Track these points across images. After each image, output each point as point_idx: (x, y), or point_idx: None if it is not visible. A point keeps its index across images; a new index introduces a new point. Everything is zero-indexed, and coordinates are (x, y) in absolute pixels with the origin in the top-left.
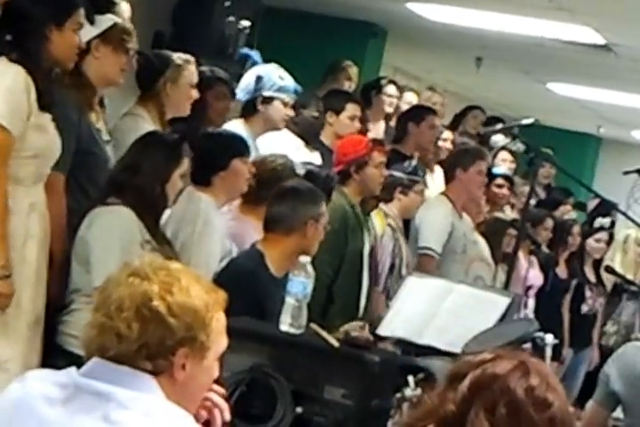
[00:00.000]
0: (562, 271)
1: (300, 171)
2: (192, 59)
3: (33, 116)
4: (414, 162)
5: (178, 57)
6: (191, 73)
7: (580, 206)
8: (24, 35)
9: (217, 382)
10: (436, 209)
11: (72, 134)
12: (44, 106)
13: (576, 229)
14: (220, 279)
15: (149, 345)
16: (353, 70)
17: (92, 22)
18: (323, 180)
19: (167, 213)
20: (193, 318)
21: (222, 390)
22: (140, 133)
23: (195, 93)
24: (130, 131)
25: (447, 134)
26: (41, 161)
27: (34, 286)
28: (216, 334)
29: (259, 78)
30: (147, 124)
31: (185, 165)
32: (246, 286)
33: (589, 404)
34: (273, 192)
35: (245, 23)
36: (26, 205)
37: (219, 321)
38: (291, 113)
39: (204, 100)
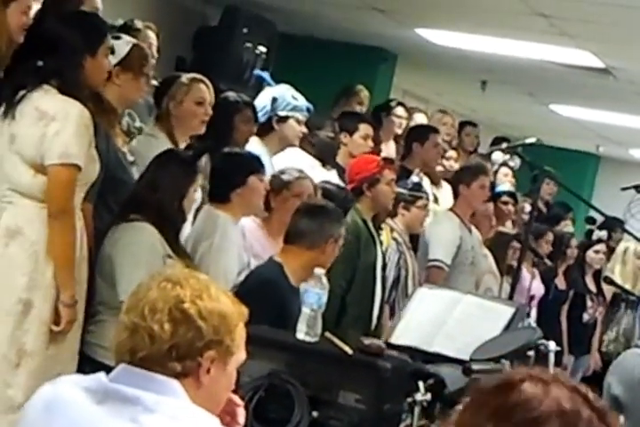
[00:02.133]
0: (561, 282)
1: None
2: (202, 78)
3: (91, 149)
4: (416, 178)
5: (186, 77)
6: (198, 91)
7: (588, 220)
8: (61, 63)
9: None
10: (444, 224)
11: (101, 161)
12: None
13: (574, 242)
14: (243, 289)
15: (179, 346)
16: (364, 94)
17: (112, 51)
18: (340, 198)
19: (187, 229)
20: (221, 322)
21: (238, 400)
22: (153, 152)
23: (202, 110)
24: (145, 151)
25: (451, 153)
26: (83, 188)
27: (83, 304)
28: (239, 342)
29: (274, 99)
30: (161, 144)
31: (199, 180)
32: (268, 294)
33: None
34: (300, 207)
35: (262, 49)
36: (78, 229)
37: (242, 330)
38: (304, 130)
39: (231, 124)
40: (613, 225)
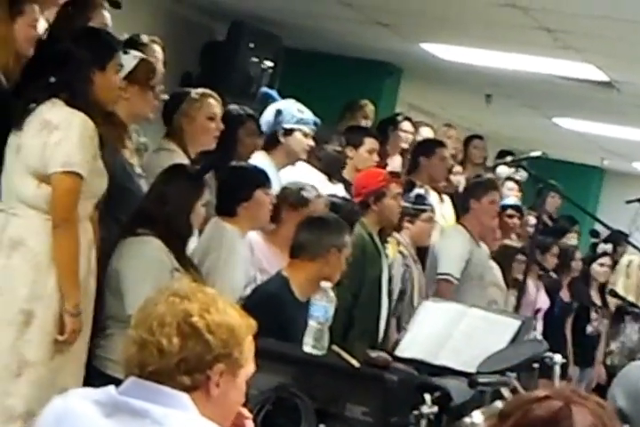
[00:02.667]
0: (565, 295)
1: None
2: (211, 93)
3: (95, 160)
4: (419, 191)
5: (195, 92)
6: (209, 106)
7: (593, 234)
8: (71, 77)
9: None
10: (453, 238)
11: (109, 175)
12: (101, 148)
13: (578, 254)
14: (248, 304)
15: (188, 360)
16: (369, 108)
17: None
18: (347, 212)
19: (194, 242)
20: (229, 335)
21: (247, 413)
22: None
23: (213, 126)
24: (158, 165)
25: (458, 168)
26: (91, 200)
27: (91, 316)
28: (248, 355)
29: (278, 112)
30: (177, 157)
31: (206, 195)
32: (272, 309)
33: None
34: (303, 220)
35: (268, 64)
36: (86, 241)
37: (251, 343)
38: (311, 143)
39: (235, 137)
40: (618, 238)
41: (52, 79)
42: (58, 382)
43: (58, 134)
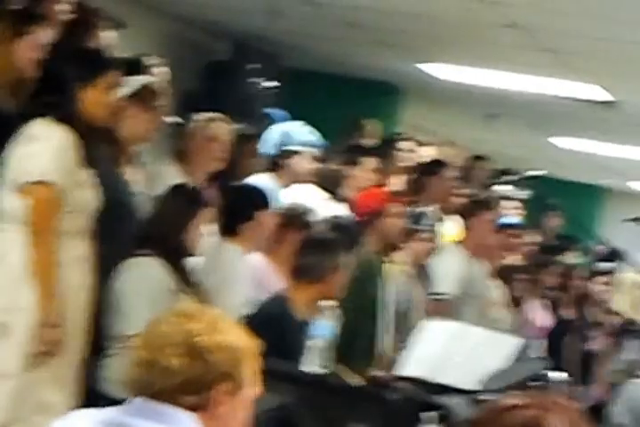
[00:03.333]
0: (567, 313)
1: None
2: (219, 116)
3: (77, 173)
4: (418, 210)
5: (202, 115)
6: (212, 129)
7: (584, 251)
8: (60, 95)
9: None
10: (449, 257)
11: (102, 188)
12: (84, 163)
13: (579, 273)
14: (249, 324)
15: (192, 379)
16: (371, 127)
17: (122, 84)
18: (351, 231)
19: (196, 261)
20: (234, 355)
21: None
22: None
23: (215, 147)
24: (163, 185)
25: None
26: (79, 215)
27: (82, 333)
28: (253, 375)
29: (285, 133)
30: (180, 177)
31: (205, 215)
32: (273, 330)
33: None
34: (302, 242)
35: (270, 84)
36: (75, 257)
37: (255, 364)
38: (316, 166)
39: (235, 156)
40: (616, 256)
41: (47, 99)
42: (36, 396)
43: (35, 146)
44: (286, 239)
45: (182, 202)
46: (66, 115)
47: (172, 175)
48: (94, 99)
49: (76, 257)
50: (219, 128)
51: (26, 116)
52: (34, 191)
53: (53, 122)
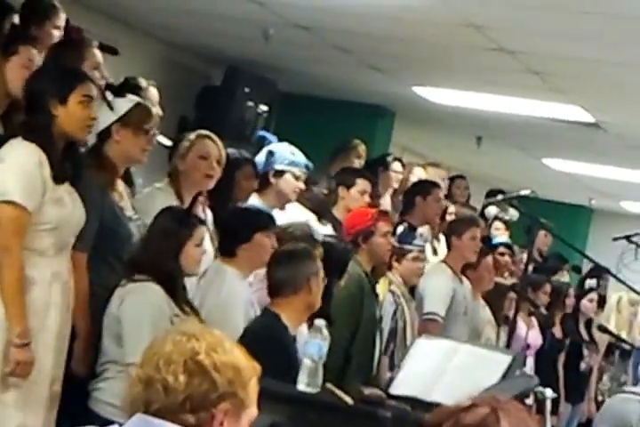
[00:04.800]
0: (557, 331)
1: (319, 237)
2: (208, 134)
3: (49, 190)
4: (404, 231)
5: (192, 133)
6: (203, 146)
7: (575, 269)
8: (32, 112)
9: None
10: (436, 276)
11: (95, 215)
12: (59, 179)
13: (571, 291)
14: (244, 343)
15: (193, 398)
16: (362, 148)
17: (111, 108)
18: (340, 251)
19: (194, 282)
20: (235, 375)
21: None
22: (158, 207)
23: (205, 164)
24: (155, 208)
25: (452, 209)
26: (59, 232)
27: (55, 353)
28: (252, 396)
29: (270, 153)
30: (171, 199)
31: (198, 235)
32: (270, 347)
33: None
34: (271, 258)
35: (263, 108)
36: (48, 274)
37: (255, 385)
38: (302, 186)
39: (232, 180)
40: (600, 273)
41: (19, 118)
42: (13, 421)
43: (0, 166)
44: None
45: (169, 225)
46: (35, 132)
47: (166, 198)
48: (67, 114)
49: (51, 275)
50: (209, 145)
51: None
52: None
53: (22, 141)
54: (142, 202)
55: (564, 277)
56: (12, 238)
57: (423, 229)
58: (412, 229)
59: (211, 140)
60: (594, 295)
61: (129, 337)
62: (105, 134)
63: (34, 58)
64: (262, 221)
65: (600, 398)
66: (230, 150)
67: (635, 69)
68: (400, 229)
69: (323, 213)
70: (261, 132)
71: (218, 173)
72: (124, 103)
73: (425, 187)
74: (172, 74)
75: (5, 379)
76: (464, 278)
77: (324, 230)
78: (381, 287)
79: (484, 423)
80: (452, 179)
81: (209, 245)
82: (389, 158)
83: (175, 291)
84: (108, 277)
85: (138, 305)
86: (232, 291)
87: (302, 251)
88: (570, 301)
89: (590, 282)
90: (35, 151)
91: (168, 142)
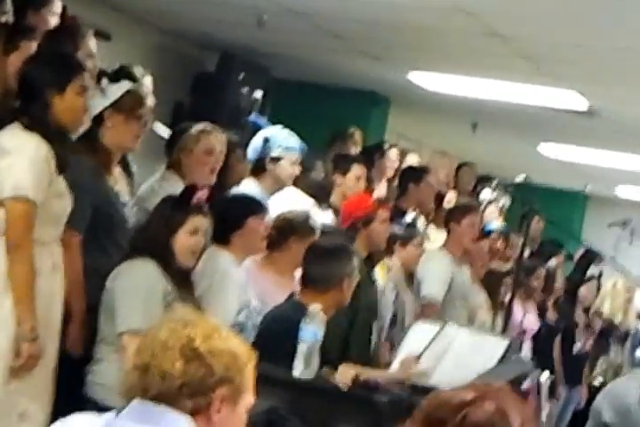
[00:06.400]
0: (552, 315)
1: (317, 225)
2: (212, 128)
3: (53, 183)
4: (410, 217)
5: (195, 128)
6: (207, 141)
7: (568, 257)
8: (29, 101)
9: None
10: (435, 261)
11: (88, 198)
12: (61, 170)
13: (559, 275)
14: (265, 328)
15: (191, 383)
16: (359, 136)
17: (103, 93)
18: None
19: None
20: (231, 361)
21: None
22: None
23: (211, 160)
24: (160, 196)
25: (451, 195)
26: (59, 223)
27: (55, 340)
28: (249, 382)
29: (266, 139)
30: (178, 188)
31: (192, 224)
32: (293, 334)
33: None
34: (310, 250)
35: (258, 94)
36: (50, 265)
37: (251, 372)
38: (297, 171)
39: (227, 164)
40: (595, 258)
41: (17, 103)
42: (18, 406)
43: (9, 159)
44: (289, 246)
45: (165, 211)
46: (35, 121)
47: (169, 186)
48: (64, 105)
49: (52, 265)
50: (214, 141)
51: None
52: (11, 207)
53: (24, 130)
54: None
55: (558, 262)
56: (24, 235)
57: (412, 215)
58: (401, 214)
59: (215, 135)
60: (592, 284)
61: (121, 307)
62: (98, 120)
63: (32, 49)
64: (253, 206)
65: (594, 382)
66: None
67: (630, 54)
68: (404, 215)
69: (322, 198)
70: (252, 117)
71: (219, 166)
72: (117, 89)
73: (417, 173)
74: (166, 60)
75: (13, 370)
76: (462, 264)
77: (323, 215)
78: (381, 274)
79: (491, 421)
80: (458, 167)
81: None
82: (386, 146)
83: (171, 270)
84: (101, 260)
85: (132, 278)
86: (226, 275)
87: (342, 249)
88: (558, 285)
89: (592, 271)
90: (42, 144)
91: (165, 133)
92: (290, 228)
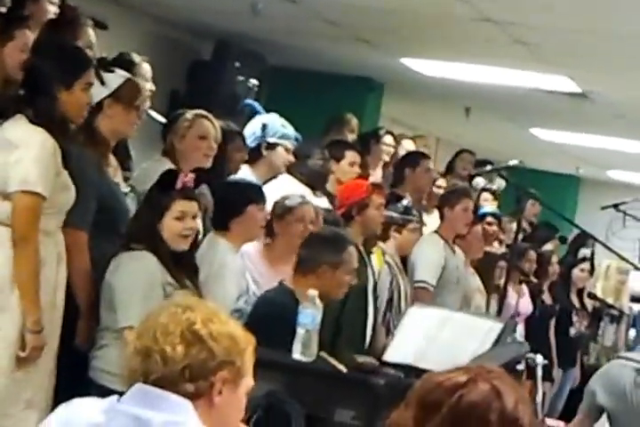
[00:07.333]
0: (547, 298)
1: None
2: (205, 113)
3: (59, 176)
4: (407, 202)
5: (189, 113)
6: (202, 126)
7: (561, 240)
8: (35, 94)
9: None
10: (428, 246)
11: (93, 193)
12: (66, 163)
13: (554, 258)
14: (256, 313)
15: (192, 367)
16: (355, 122)
17: (102, 83)
18: (330, 223)
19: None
20: (232, 344)
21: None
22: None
23: (204, 144)
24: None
25: (441, 182)
26: (62, 214)
27: (57, 329)
28: (249, 365)
29: (264, 126)
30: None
31: (177, 209)
32: (281, 318)
33: (577, 417)
34: (308, 236)
35: (254, 82)
36: (55, 255)
37: (251, 355)
38: (291, 158)
39: (224, 152)
40: (584, 240)
41: (21, 92)
42: (23, 395)
43: (17, 153)
44: (275, 231)
45: (152, 196)
46: (41, 114)
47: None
48: (71, 100)
49: (57, 255)
50: (207, 126)
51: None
52: (19, 201)
53: (30, 123)
54: (145, 177)
55: (552, 245)
56: (30, 229)
57: (408, 200)
58: (398, 199)
59: (208, 120)
60: (586, 265)
61: (120, 302)
62: (96, 109)
63: (30, 41)
64: (253, 193)
65: (586, 361)
66: (220, 123)
67: (621, 40)
68: (400, 200)
69: (317, 185)
70: (247, 101)
71: (214, 152)
72: (115, 78)
73: (414, 158)
74: (162, 49)
75: (18, 360)
76: (457, 248)
77: (318, 203)
78: (377, 259)
79: (489, 399)
80: (458, 152)
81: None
82: (381, 132)
83: (168, 260)
84: (108, 252)
85: (130, 271)
86: (224, 262)
87: (332, 238)
88: (553, 268)
89: (584, 251)
90: (50, 139)
91: (162, 119)
92: (271, 213)
